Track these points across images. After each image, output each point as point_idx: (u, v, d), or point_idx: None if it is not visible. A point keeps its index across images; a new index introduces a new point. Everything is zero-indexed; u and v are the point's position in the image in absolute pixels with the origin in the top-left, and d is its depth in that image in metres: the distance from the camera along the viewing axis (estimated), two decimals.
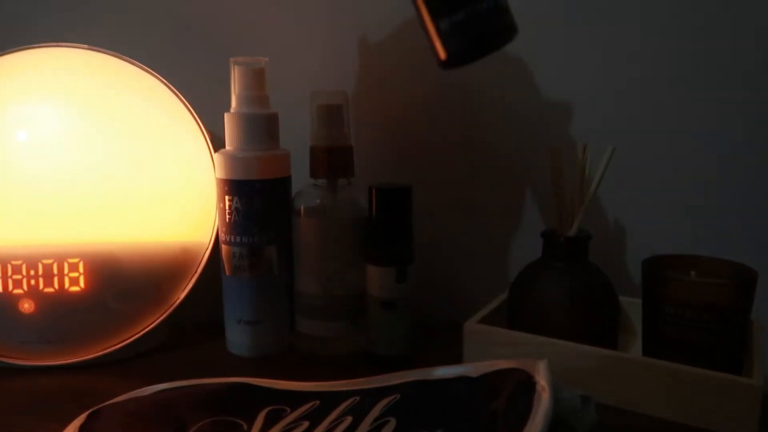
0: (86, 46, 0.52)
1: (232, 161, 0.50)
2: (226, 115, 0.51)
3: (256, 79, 0.51)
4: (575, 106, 0.59)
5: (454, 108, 0.61)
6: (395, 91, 0.61)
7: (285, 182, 0.52)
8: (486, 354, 0.47)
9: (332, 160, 0.51)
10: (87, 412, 0.37)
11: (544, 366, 0.37)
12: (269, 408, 0.39)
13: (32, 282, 0.48)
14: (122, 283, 0.50)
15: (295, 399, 0.40)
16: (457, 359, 0.49)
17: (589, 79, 0.57)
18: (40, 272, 0.48)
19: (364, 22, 0.61)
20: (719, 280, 0.43)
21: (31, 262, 0.48)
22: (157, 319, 0.52)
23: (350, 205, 0.52)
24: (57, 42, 0.51)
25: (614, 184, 0.56)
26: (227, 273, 0.52)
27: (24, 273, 0.48)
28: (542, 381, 0.36)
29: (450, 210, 0.62)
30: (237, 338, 0.52)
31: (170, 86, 0.53)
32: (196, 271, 0.53)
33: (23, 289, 0.48)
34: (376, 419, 0.38)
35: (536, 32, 0.56)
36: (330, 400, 0.40)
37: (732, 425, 0.39)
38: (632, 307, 0.55)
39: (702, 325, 0.42)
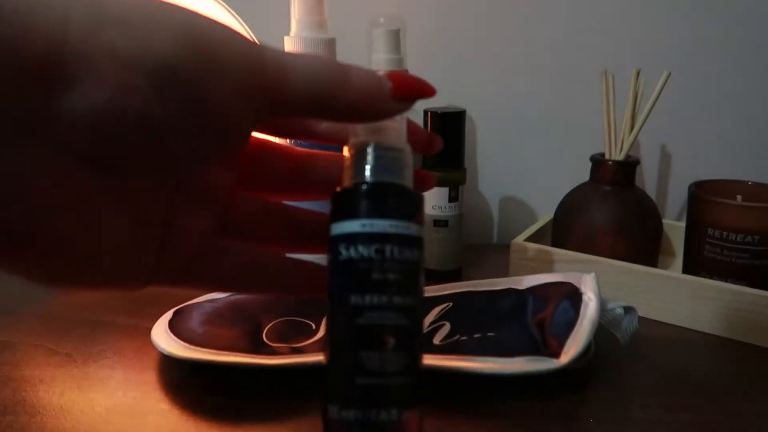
0: None
1: None
2: (285, 38, 0.53)
3: (316, 4, 0.52)
4: (629, 31, 0.58)
5: (505, 28, 0.61)
6: (449, 14, 0.62)
7: None
8: (531, 271, 0.50)
9: None
10: (173, 309, 0.42)
11: (591, 278, 0.40)
12: None
13: None
14: None
15: None
16: (503, 275, 0.52)
17: (646, 5, 0.57)
18: None
19: None
20: (764, 204, 0.44)
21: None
22: None
23: None
24: None
25: (663, 111, 0.56)
26: None
27: None
28: (589, 292, 0.39)
29: (500, 134, 0.64)
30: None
31: (230, 10, 0.54)
32: None
33: None
34: (432, 323, 0.41)
35: None
36: None
37: (765, 338, 0.42)
38: (672, 229, 0.57)
39: (744, 248, 0.44)
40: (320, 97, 0.22)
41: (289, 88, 0.21)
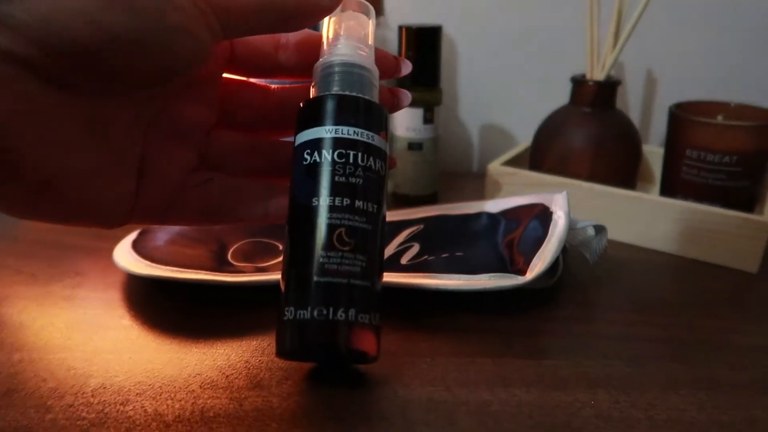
0: None
1: None
2: None
3: None
4: None
5: None
6: None
7: None
8: (507, 196, 0.49)
9: None
10: (138, 230, 0.41)
11: (562, 197, 0.39)
12: None
13: None
14: None
15: None
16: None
17: None
18: None
19: None
20: (744, 123, 0.43)
21: None
22: None
23: (379, 44, 0.52)
24: None
25: (648, 32, 0.54)
26: None
27: None
28: (559, 210, 0.38)
29: (481, 57, 0.62)
30: None
31: None
32: None
33: None
34: (400, 244, 0.41)
35: None
36: None
37: (737, 259, 0.41)
38: (652, 156, 0.56)
39: (722, 168, 0.43)
40: (266, 3, 0.24)
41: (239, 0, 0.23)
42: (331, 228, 0.25)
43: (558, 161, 0.49)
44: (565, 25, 0.58)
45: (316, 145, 0.26)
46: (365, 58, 0.28)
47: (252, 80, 0.30)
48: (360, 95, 0.27)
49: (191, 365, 0.30)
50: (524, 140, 0.63)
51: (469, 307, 0.36)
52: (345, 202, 0.25)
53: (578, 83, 0.50)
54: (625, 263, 0.43)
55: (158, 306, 0.36)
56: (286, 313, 0.25)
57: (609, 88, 0.49)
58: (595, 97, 0.49)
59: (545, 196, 0.41)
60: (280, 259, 0.40)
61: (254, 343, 0.32)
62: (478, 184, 0.55)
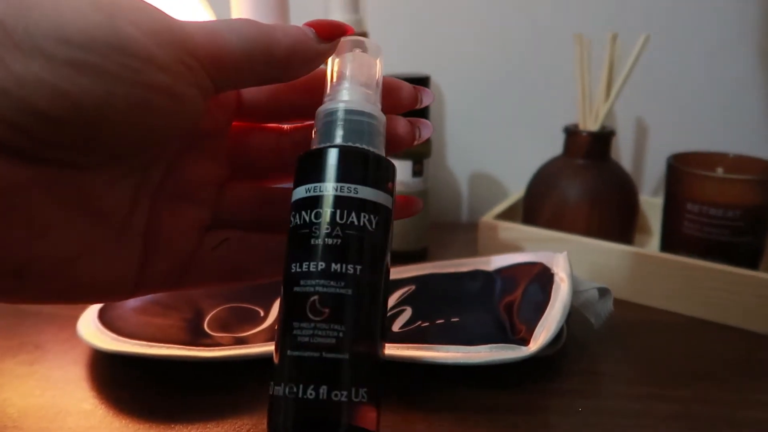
0: None
1: None
2: None
3: None
4: None
5: None
6: None
7: None
8: (502, 250, 0.47)
9: None
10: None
11: (563, 258, 0.37)
12: None
13: None
14: None
15: None
16: (472, 255, 0.49)
17: None
18: None
19: None
20: (746, 176, 0.41)
21: None
22: None
23: None
24: None
25: (640, 81, 0.53)
26: None
27: None
28: (561, 272, 0.36)
29: (469, 105, 0.60)
30: None
31: None
32: None
33: None
34: (391, 308, 0.38)
35: None
36: None
37: (747, 320, 0.39)
38: (648, 206, 0.55)
39: (725, 223, 0.41)
40: (256, 52, 0.22)
41: (224, 49, 0.21)
42: (302, 296, 0.23)
43: (553, 214, 0.47)
44: (553, 72, 0.57)
45: (298, 205, 0.24)
46: (367, 102, 0.25)
47: (263, 124, 0.28)
48: (348, 144, 0.24)
49: None
50: (514, 190, 0.61)
51: (467, 380, 0.33)
52: (319, 267, 0.23)
53: (572, 134, 0.48)
54: (628, 324, 0.40)
55: (126, 385, 0.32)
56: (270, 386, 0.23)
57: (604, 138, 0.47)
58: (590, 148, 0.47)
59: (544, 255, 0.39)
60: (262, 327, 0.37)
61: (233, 428, 0.29)
62: (468, 237, 0.53)
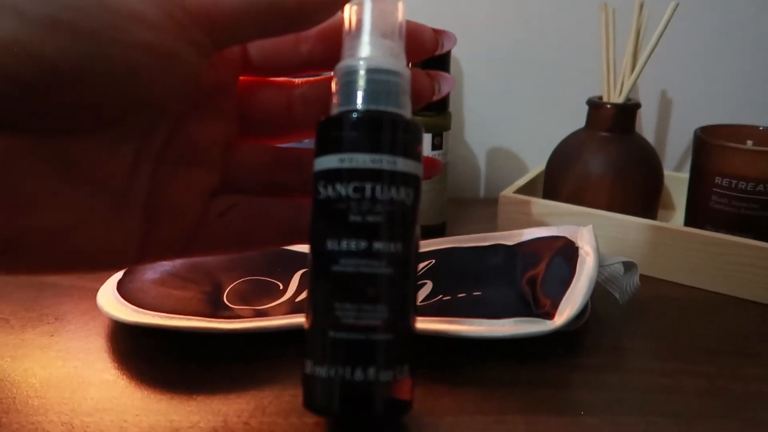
0: None
1: None
2: None
3: None
4: None
5: None
6: None
7: None
8: (522, 226, 0.46)
9: None
10: (124, 269, 0.37)
11: (588, 231, 0.36)
12: (304, 270, 0.39)
13: None
14: None
15: None
16: (491, 231, 0.48)
17: None
18: None
19: None
20: None
21: None
22: None
23: None
24: None
25: (664, 51, 0.52)
26: None
27: None
28: (586, 246, 0.35)
29: (488, 77, 0.59)
30: None
31: None
32: None
33: None
34: None
35: None
36: None
37: None
38: (670, 181, 0.53)
39: (754, 197, 0.40)
40: (261, 2, 0.19)
41: (221, 1, 0.19)
42: (344, 276, 0.22)
43: (575, 189, 0.46)
44: (575, 44, 0.56)
45: (329, 176, 0.22)
46: (393, 52, 0.23)
47: (272, 78, 0.26)
48: (381, 108, 0.23)
49: (183, 428, 0.27)
50: (533, 165, 0.60)
51: (491, 354, 0.32)
52: (362, 246, 0.22)
53: (595, 106, 0.47)
54: (654, 300, 0.39)
55: (146, 357, 0.32)
56: (306, 365, 0.23)
57: (629, 111, 0.46)
58: (614, 121, 0.46)
59: (567, 229, 0.38)
60: (282, 299, 0.36)
61: (254, 400, 0.29)
62: (487, 212, 0.52)
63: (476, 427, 0.27)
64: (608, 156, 0.46)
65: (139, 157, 0.22)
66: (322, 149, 0.23)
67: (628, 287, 0.35)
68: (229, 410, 0.28)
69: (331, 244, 0.22)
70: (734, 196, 0.40)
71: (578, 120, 0.49)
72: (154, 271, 0.37)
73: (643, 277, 0.42)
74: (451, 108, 0.59)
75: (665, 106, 0.57)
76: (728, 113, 0.55)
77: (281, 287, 0.37)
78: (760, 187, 0.39)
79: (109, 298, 0.34)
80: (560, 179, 0.48)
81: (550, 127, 0.56)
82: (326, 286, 0.22)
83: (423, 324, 0.31)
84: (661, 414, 0.28)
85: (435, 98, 0.26)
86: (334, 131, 0.23)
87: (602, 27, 0.47)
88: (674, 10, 0.43)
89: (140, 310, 0.33)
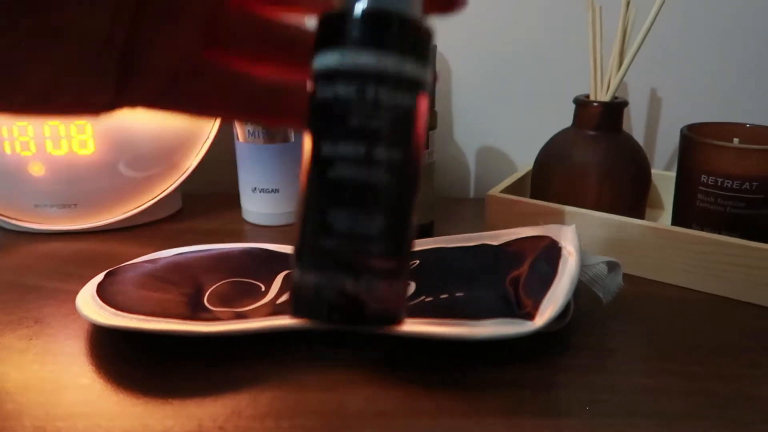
0: None
1: None
2: None
3: None
4: None
5: None
6: None
7: None
8: (509, 225, 0.46)
9: None
10: (105, 272, 0.37)
11: (571, 231, 0.36)
12: (287, 272, 0.39)
13: (40, 143, 0.47)
14: (133, 149, 0.49)
15: None
16: (480, 231, 0.48)
17: None
18: (47, 134, 0.47)
19: None
20: (764, 146, 0.40)
21: (37, 123, 0.46)
22: (170, 186, 0.51)
23: None
24: None
25: (653, 51, 0.51)
26: (240, 140, 0.50)
27: (30, 134, 0.46)
28: (569, 246, 0.34)
29: (477, 77, 0.59)
30: (253, 206, 0.51)
31: None
32: (207, 137, 0.51)
33: (31, 151, 0.47)
34: None
35: None
36: None
37: (762, 296, 0.38)
38: (658, 179, 0.53)
39: (740, 196, 0.40)
40: None
41: None
42: (340, 183, 0.21)
43: (563, 188, 0.46)
44: (563, 42, 0.56)
45: (330, 75, 0.21)
46: None
47: None
48: (390, 6, 0.21)
49: None
50: (522, 163, 0.60)
51: (472, 355, 0.32)
52: (360, 151, 0.20)
53: (582, 105, 0.46)
54: (639, 300, 0.39)
55: (124, 360, 0.32)
56: (295, 273, 0.22)
57: (616, 109, 0.46)
58: (601, 120, 0.46)
59: (552, 228, 0.38)
60: (263, 302, 0.36)
61: (231, 404, 0.28)
62: (476, 211, 0.52)
63: (455, 429, 0.27)
64: (595, 155, 0.45)
65: (119, 12, 0.20)
66: (323, 44, 0.21)
67: (612, 286, 0.35)
68: (205, 414, 0.28)
69: (326, 148, 0.21)
70: (720, 194, 0.40)
71: (567, 119, 0.48)
72: (134, 272, 0.37)
73: (629, 276, 0.42)
74: (440, 107, 0.58)
75: (654, 104, 0.57)
76: (718, 111, 0.54)
77: (263, 289, 0.37)
78: (746, 186, 0.39)
79: (87, 301, 0.34)
80: (548, 178, 0.47)
81: (540, 127, 0.55)
82: (320, 192, 0.21)
83: (405, 326, 0.31)
84: (642, 415, 0.28)
85: (445, 8, 0.23)
86: (337, 26, 0.21)
87: (589, 25, 0.46)
88: (660, 6, 0.42)
89: (119, 312, 0.32)
